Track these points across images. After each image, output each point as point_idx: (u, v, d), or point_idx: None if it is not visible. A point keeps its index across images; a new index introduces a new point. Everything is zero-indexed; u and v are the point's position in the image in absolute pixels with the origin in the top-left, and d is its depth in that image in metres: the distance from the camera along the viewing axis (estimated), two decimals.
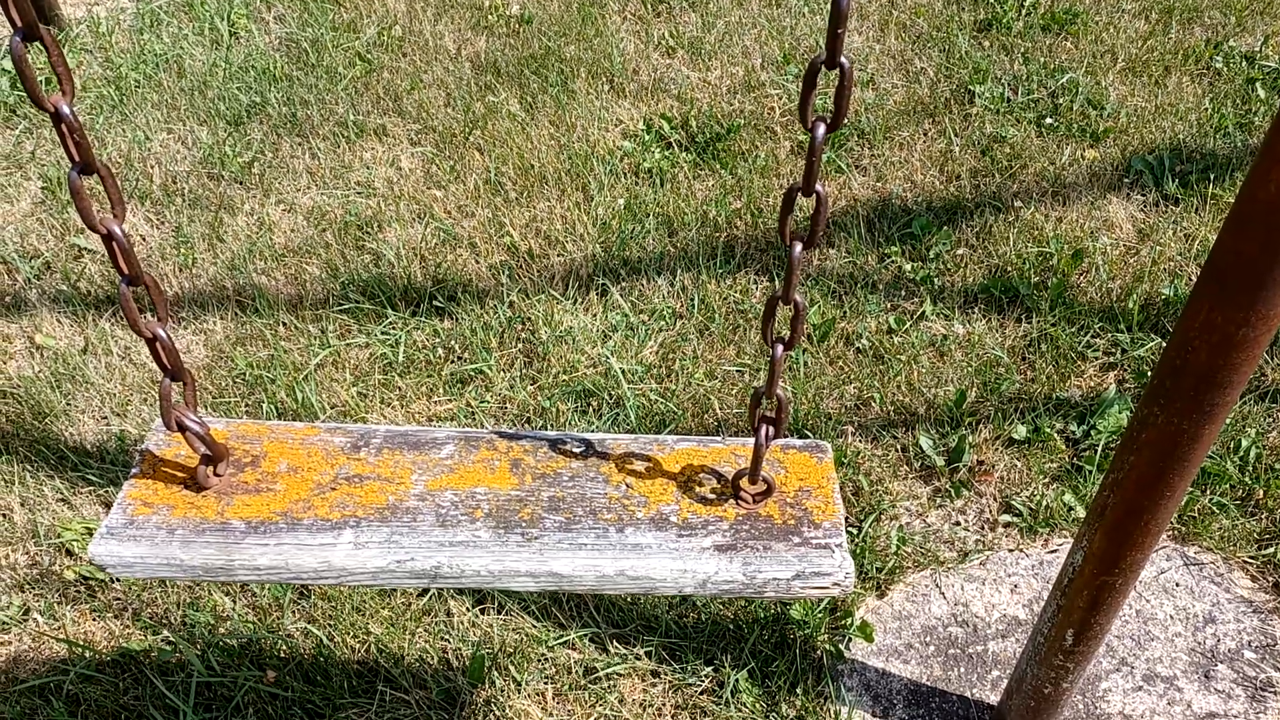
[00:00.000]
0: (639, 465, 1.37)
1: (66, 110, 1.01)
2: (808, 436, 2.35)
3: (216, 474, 1.32)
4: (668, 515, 1.31)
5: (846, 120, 3.32)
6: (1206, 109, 3.38)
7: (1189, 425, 1.39)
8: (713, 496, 1.34)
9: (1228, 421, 2.47)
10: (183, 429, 1.25)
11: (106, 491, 2.35)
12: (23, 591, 2.20)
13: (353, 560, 1.25)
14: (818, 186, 1.06)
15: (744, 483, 1.32)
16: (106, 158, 3.26)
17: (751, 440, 1.34)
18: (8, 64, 3.65)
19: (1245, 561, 2.28)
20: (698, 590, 1.28)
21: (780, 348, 1.20)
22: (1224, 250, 1.23)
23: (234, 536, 1.26)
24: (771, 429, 1.27)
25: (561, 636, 2.11)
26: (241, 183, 3.17)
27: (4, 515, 2.32)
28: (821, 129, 1.01)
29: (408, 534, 1.27)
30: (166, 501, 1.31)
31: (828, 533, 1.30)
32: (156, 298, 1.21)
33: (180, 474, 1.33)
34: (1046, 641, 1.77)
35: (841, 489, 2.40)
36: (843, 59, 0.97)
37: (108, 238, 1.12)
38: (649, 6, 3.89)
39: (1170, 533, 2.34)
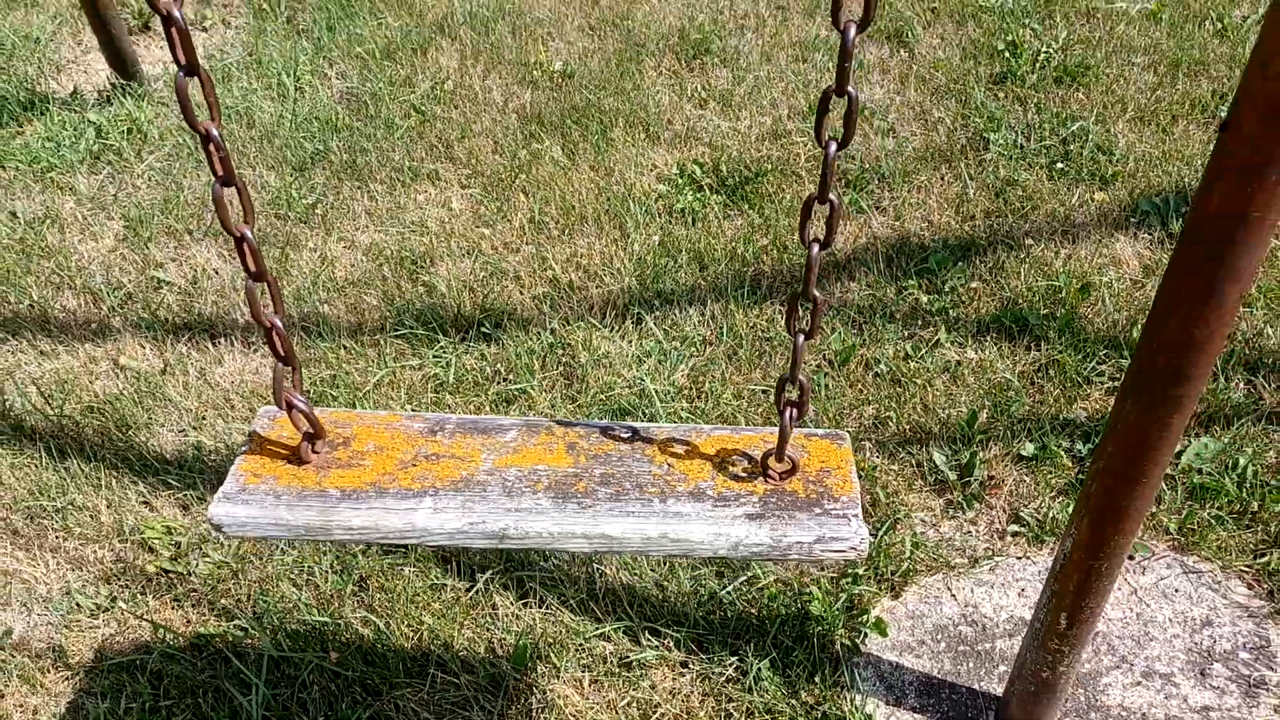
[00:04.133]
0: (679, 449, 1.57)
1: (215, 133, 1.25)
2: None
3: (315, 451, 1.54)
4: (704, 489, 1.50)
5: (865, 163, 3.53)
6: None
7: (1158, 417, 1.57)
8: (744, 474, 1.53)
9: (1227, 441, 2.63)
10: (291, 407, 1.47)
11: (185, 495, 2.58)
12: (109, 583, 2.42)
13: (433, 522, 1.46)
14: (831, 195, 1.27)
15: (772, 461, 1.51)
16: (183, 200, 3.55)
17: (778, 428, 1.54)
18: (93, 115, 3.97)
19: (1242, 570, 2.42)
20: (731, 552, 1.47)
21: (801, 337, 1.40)
22: (1180, 260, 1.42)
23: (331, 502, 1.47)
24: (795, 411, 1.46)
25: (598, 628, 2.29)
26: (306, 222, 3.44)
27: (92, 516, 2.55)
28: (834, 146, 1.22)
29: (479, 501, 1.48)
30: (272, 473, 1.52)
31: (845, 505, 1.49)
32: (274, 294, 1.43)
33: (283, 451, 1.55)
34: (1043, 626, 1.93)
35: (860, 498, 2.58)
36: (850, 89, 1.18)
37: (240, 239, 1.34)
38: (683, 62, 4.16)
39: (1170, 543, 2.49)
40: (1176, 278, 1.44)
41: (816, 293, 1.35)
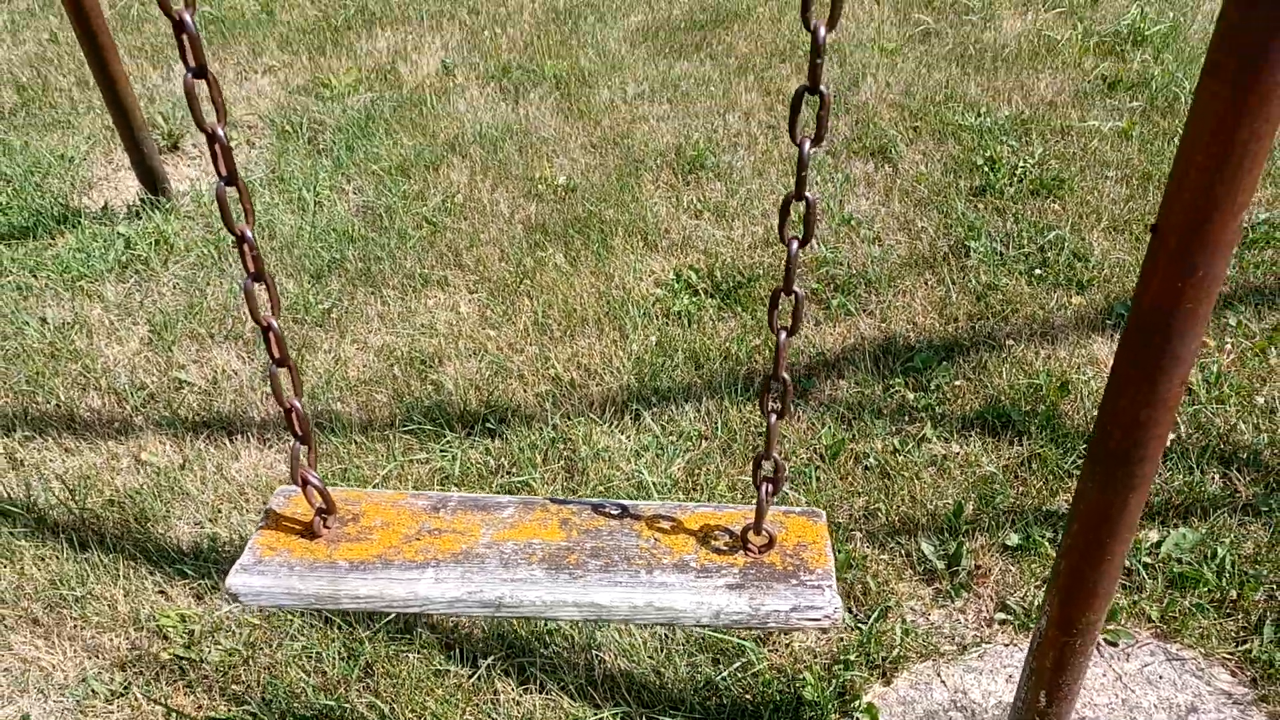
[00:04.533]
0: (665, 524, 1.69)
1: (249, 234, 1.41)
2: None
3: (326, 526, 1.66)
4: (688, 561, 1.61)
5: (852, 268, 3.71)
6: None
7: (1116, 495, 1.68)
8: (725, 548, 1.64)
9: (1205, 532, 2.72)
10: (306, 483, 1.60)
11: (200, 584, 2.68)
12: (124, 670, 2.49)
13: (434, 591, 1.56)
14: (796, 287, 1.42)
15: (751, 535, 1.63)
16: (206, 306, 3.74)
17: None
18: (122, 228, 4.20)
19: (1224, 657, 2.49)
20: (712, 620, 1.57)
21: (774, 417, 1.53)
22: (1126, 347, 1.56)
23: (340, 572, 1.59)
24: (771, 487, 1.58)
25: (597, 714, 2.36)
26: (321, 326, 3.62)
27: (109, 605, 2.64)
28: (795, 245, 1.38)
29: (478, 572, 1.59)
30: (286, 546, 1.64)
31: (820, 577, 1.60)
32: (295, 379, 1.58)
33: (297, 527, 1.67)
34: (1025, 705, 2.00)
35: (850, 588, 2.66)
36: (808, 194, 1.35)
37: (266, 328, 1.50)
38: (680, 177, 4.41)
39: (1153, 630, 2.56)
40: (1123, 363, 1.57)
41: (785, 375, 1.49)
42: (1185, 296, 1.46)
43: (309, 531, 1.65)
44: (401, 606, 1.58)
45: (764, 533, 1.61)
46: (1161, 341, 1.51)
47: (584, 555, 1.62)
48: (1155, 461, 1.66)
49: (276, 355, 1.53)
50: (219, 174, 1.37)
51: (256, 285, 1.46)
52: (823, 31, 1.16)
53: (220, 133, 1.32)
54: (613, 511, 1.71)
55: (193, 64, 1.25)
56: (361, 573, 1.59)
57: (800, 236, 1.37)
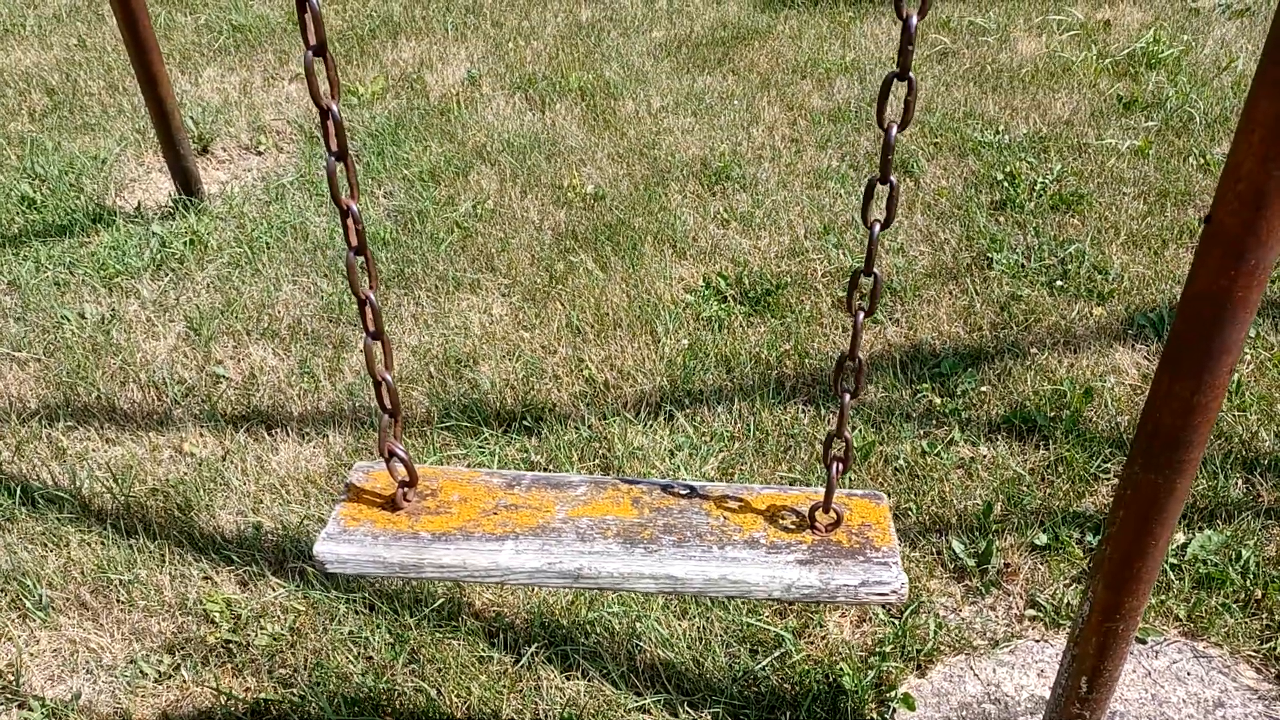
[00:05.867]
0: (733, 504, 1.75)
1: (354, 208, 1.47)
2: None
3: (407, 499, 1.71)
4: (758, 538, 1.67)
5: (881, 280, 3.79)
6: None
7: (1164, 479, 1.74)
8: (793, 527, 1.70)
9: (1229, 534, 2.78)
10: (392, 455, 1.65)
11: (245, 571, 2.72)
12: (172, 653, 2.54)
13: (515, 561, 1.62)
14: (875, 269, 1.49)
15: (818, 514, 1.69)
16: (241, 304, 3.79)
17: (822, 489, 1.72)
18: (156, 227, 4.26)
19: (1249, 655, 2.54)
20: (784, 594, 1.62)
21: (847, 396, 1.60)
22: (1177, 334, 1.63)
23: (423, 542, 1.64)
24: (841, 465, 1.64)
25: (639, 701, 2.40)
26: (356, 325, 3.67)
27: (156, 589, 2.68)
28: (877, 228, 1.45)
29: (556, 545, 1.65)
30: (369, 518, 1.69)
31: (886, 554, 1.66)
32: (387, 353, 1.64)
33: (377, 500, 1.73)
34: (1065, 691, 2.05)
35: (898, 550, 2.72)
36: (891, 178, 1.42)
37: (364, 302, 1.56)
38: (706, 187, 4.48)
39: (1180, 629, 2.61)
40: (1175, 348, 1.64)
41: (861, 355, 1.56)
42: (1238, 284, 1.53)
43: (390, 504, 1.71)
44: (483, 576, 1.64)
45: (832, 511, 1.67)
46: (1213, 328, 1.57)
47: (657, 531, 1.68)
48: (1203, 446, 1.72)
49: (372, 328, 1.59)
50: (329, 149, 1.44)
51: (358, 258, 1.52)
52: (915, 19, 1.23)
53: (335, 109, 1.39)
54: (681, 492, 1.77)
55: (313, 41, 1.32)
56: (444, 543, 1.64)
57: (882, 220, 1.44)
